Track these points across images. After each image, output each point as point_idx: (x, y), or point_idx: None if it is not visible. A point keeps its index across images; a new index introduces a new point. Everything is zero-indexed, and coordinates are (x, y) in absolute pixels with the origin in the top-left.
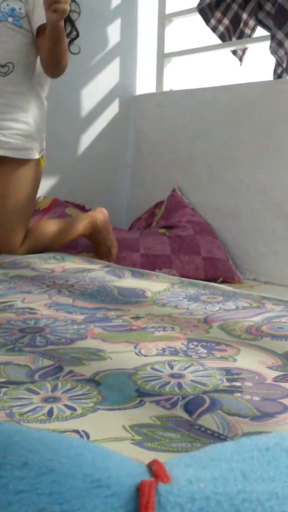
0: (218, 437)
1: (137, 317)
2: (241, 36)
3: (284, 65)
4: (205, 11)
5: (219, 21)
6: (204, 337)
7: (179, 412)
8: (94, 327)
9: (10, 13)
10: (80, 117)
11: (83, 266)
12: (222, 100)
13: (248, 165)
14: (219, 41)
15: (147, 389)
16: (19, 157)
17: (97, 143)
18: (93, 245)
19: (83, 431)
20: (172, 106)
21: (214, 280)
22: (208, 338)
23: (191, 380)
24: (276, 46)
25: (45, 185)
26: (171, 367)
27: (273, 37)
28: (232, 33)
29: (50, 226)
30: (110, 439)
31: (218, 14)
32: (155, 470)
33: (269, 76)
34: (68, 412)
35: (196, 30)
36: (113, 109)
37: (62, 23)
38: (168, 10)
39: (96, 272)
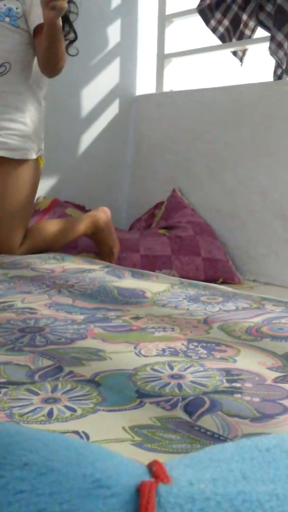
0: (218, 438)
1: (137, 318)
2: (241, 37)
3: (284, 66)
4: (205, 12)
5: (219, 22)
6: (204, 338)
7: (179, 413)
8: (94, 327)
9: (7, 13)
10: (80, 117)
11: (83, 266)
12: (222, 101)
13: (248, 165)
14: (219, 42)
15: (147, 390)
16: (16, 157)
17: (97, 143)
18: (95, 245)
19: (83, 432)
20: (172, 107)
21: (214, 281)
22: (208, 339)
23: (191, 381)
24: (276, 47)
25: (45, 185)
26: (171, 368)
27: (272, 38)
28: (232, 34)
29: (51, 226)
30: (110, 440)
31: (218, 15)
32: (155, 471)
33: (269, 77)
34: (68, 413)
35: (196, 31)
36: (113, 109)
37: (59, 21)
38: (168, 11)
39: (96, 272)
